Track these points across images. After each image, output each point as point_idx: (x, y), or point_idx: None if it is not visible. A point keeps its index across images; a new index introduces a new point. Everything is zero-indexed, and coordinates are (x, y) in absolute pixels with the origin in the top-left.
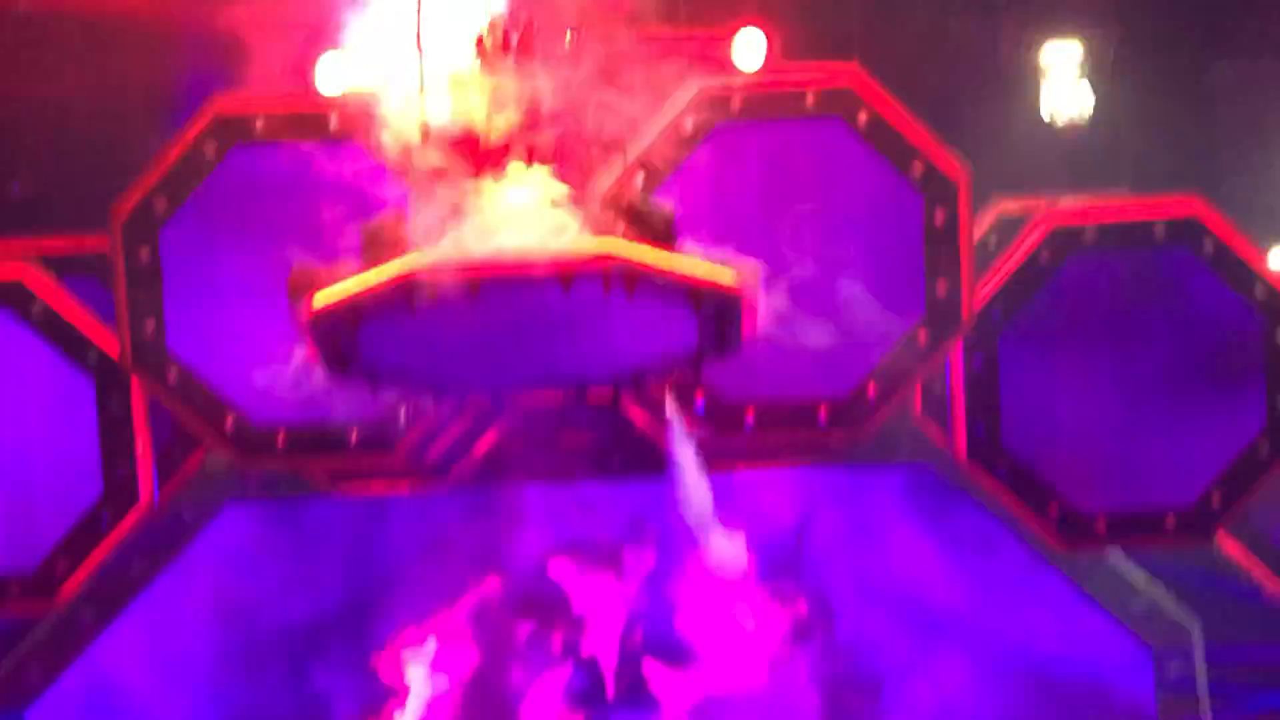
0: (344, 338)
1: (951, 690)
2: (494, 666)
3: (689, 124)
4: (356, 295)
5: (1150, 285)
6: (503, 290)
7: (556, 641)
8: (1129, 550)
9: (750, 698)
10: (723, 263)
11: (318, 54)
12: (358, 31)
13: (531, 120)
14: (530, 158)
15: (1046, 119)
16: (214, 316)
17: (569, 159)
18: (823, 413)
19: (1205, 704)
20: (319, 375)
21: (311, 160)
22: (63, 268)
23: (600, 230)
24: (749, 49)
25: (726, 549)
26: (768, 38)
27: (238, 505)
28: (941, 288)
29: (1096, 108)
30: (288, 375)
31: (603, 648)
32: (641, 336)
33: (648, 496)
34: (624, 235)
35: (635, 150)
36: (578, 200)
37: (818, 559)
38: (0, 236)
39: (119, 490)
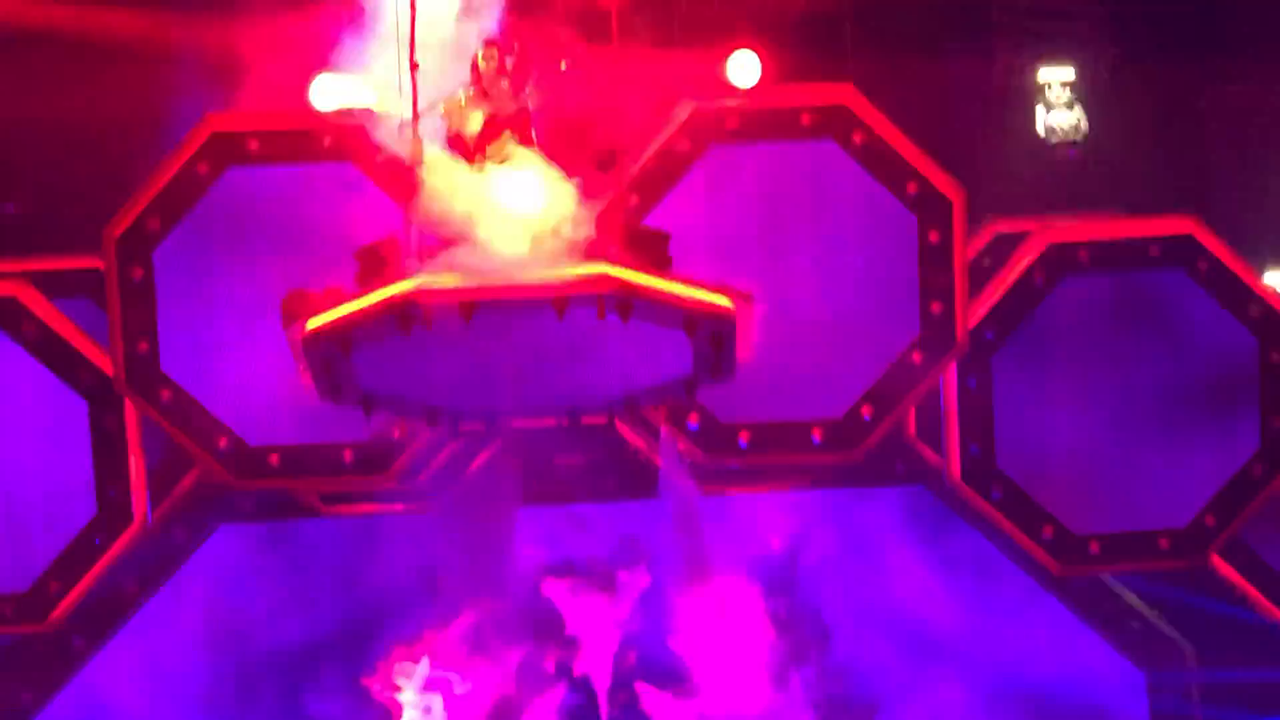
0: (338, 362)
1: (946, 713)
2: (488, 687)
3: (683, 145)
4: (350, 319)
5: (1144, 305)
6: (497, 314)
7: (550, 661)
8: (1123, 572)
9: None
10: (717, 286)
11: (313, 74)
12: (352, 52)
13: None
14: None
15: (1041, 140)
16: (208, 336)
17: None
18: (817, 434)
19: None
20: (314, 399)
21: (305, 181)
22: (56, 287)
23: (595, 252)
24: (743, 71)
25: (714, 569)
26: (763, 61)
27: (230, 526)
28: (936, 308)
29: (1090, 130)
30: (282, 396)
31: (596, 667)
32: (636, 362)
33: (641, 517)
34: (619, 259)
35: (629, 171)
36: (573, 221)
37: (812, 581)
38: None
39: (112, 511)
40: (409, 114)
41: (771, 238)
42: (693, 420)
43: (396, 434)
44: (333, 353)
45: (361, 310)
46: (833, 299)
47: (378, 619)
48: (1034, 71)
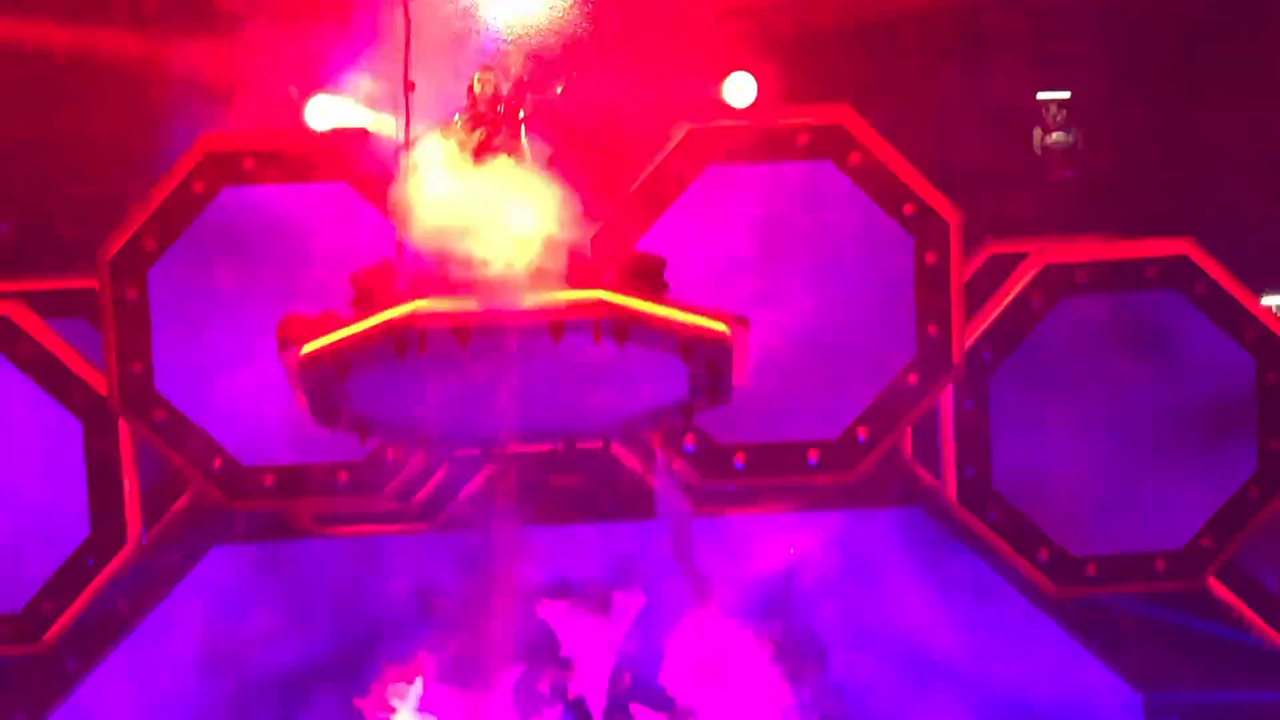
0: (333, 387)
1: None
2: (483, 708)
3: (679, 165)
4: (345, 344)
5: (1141, 327)
6: (493, 339)
7: (545, 683)
8: (1119, 594)
9: None
10: (713, 312)
11: (308, 93)
12: (348, 72)
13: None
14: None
15: (1038, 161)
16: (202, 357)
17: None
18: (813, 455)
19: None
20: (309, 422)
21: (300, 201)
22: (51, 307)
23: (591, 277)
24: (740, 91)
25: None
26: (761, 82)
27: (224, 547)
28: (932, 329)
29: (1087, 152)
30: (276, 416)
31: (591, 689)
32: (631, 387)
33: (637, 538)
34: (615, 284)
35: (624, 192)
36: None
37: (808, 603)
38: None
39: (105, 532)
40: (404, 135)
41: (768, 258)
42: (688, 442)
43: (391, 455)
44: (328, 378)
45: (357, 335)
46: (829, 320)
47: (372, 640)
48: (1031, 93)
